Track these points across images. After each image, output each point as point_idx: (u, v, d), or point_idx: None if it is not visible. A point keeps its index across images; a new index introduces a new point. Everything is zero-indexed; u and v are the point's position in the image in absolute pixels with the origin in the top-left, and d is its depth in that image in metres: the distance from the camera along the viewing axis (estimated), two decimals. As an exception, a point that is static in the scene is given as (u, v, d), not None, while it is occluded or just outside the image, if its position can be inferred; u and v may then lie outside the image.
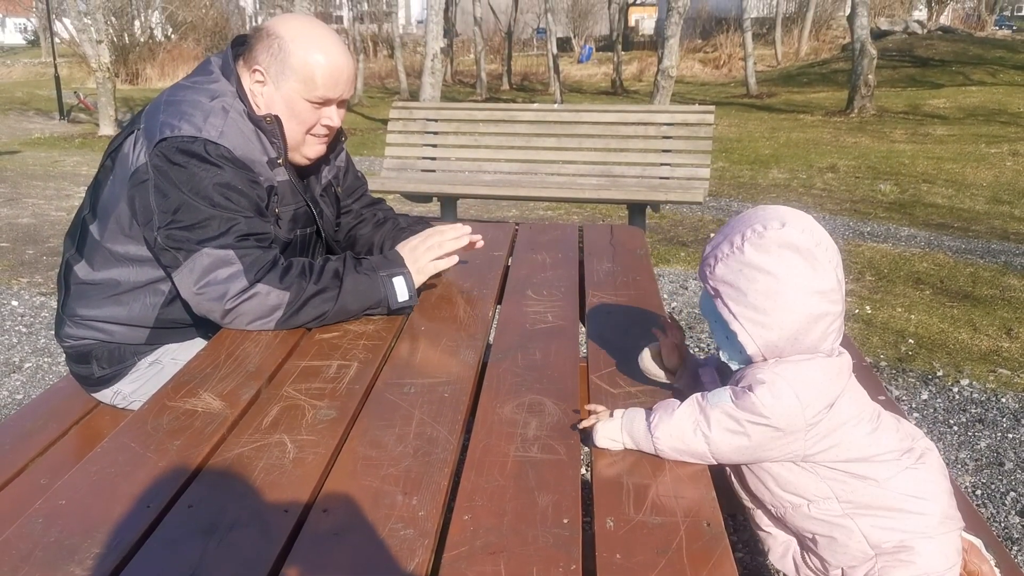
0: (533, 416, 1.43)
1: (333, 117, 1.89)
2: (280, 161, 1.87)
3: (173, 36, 29.52)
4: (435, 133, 5.22)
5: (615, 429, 1.35)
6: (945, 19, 27.43)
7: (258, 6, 42.43)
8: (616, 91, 21.20)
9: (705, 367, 1.55)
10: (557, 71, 19.25)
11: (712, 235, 1.38)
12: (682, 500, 1.20)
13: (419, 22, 45.87)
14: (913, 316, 4.48)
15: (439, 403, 1.48)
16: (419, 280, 1.85)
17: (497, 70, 24.59)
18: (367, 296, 1.77)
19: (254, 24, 38.82)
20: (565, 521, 1.15)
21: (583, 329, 1.86)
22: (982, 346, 4.03)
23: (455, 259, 1.90)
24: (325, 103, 1.86)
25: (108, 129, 13.22)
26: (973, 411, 3.27)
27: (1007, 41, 21.24)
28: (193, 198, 1.71)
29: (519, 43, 29.74)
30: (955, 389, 3.48)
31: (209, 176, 1.72)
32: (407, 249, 1.87)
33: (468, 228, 1.93)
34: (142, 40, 26.61)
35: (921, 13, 28.08)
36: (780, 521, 1.45)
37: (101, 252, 1.87)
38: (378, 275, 1.78)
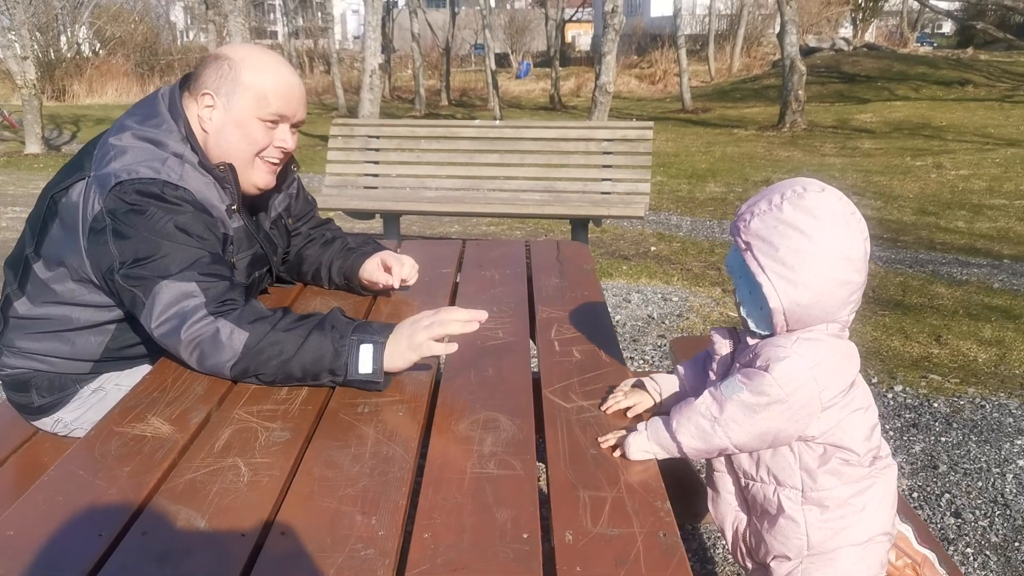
0: (488, 432, 1.44)
1: (287, 139, 1.85)
2: (235, 208, 1.84)
3: (101, 52, 28.83)
4: (376, 150, 5.21)
5: (644, 440, 1.38)
6: (870, 36, 28.32)
7: (189, 21, 41.82)
8: (555, 106, 21.38)
9: (684, 370, 1.60)
10: (496, 87, 19.34)
11: (743, 202, 1.42)
12: (639, 512, 1.22)
13: (355, 38, 45.67)
14: (848, 325, 4.60)
15: (394, 422, 1.48)
16: (410, 358, 1.58)
17: (435, 86, 24.60)
18: (325, 358, 1.55)
19: (185, 39, 38.26)
20: (525, 536, 1.16)
21: (533, 345, 1.88)
22: (913, 353, 4.16)
23: (455, 347, 1.59)
24: (279, 121, 1.83)
25: (34, 147, 12.86)
26: (907, 416, 3.38)
27: (929, 58, 21.99)
28: (152, 236, 1.64)
29: (457, 59, 29.80)
30: (889, 395, 3.58)
31: (168, 217, 1.66)
32: (408, 321, 1.61)
33: (484, 314, 1.61)
34: (68, 56, 25.97)
35: (847, 30, 28.97)
36: (742, 493, 1.50)
37: (46, 291, 1.80)
38: (347, 337, 1.57)
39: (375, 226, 5.47)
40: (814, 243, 1.30)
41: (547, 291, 2.17)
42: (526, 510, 1.22)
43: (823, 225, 1.31)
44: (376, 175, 5.22)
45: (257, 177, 1.87)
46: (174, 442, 1.40)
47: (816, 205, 1.32)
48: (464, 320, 1.58)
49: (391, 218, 5.15)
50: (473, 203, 4.98)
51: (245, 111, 1.79)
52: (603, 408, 1.53)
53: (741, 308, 1.42)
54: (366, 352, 1.57)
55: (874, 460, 1.43)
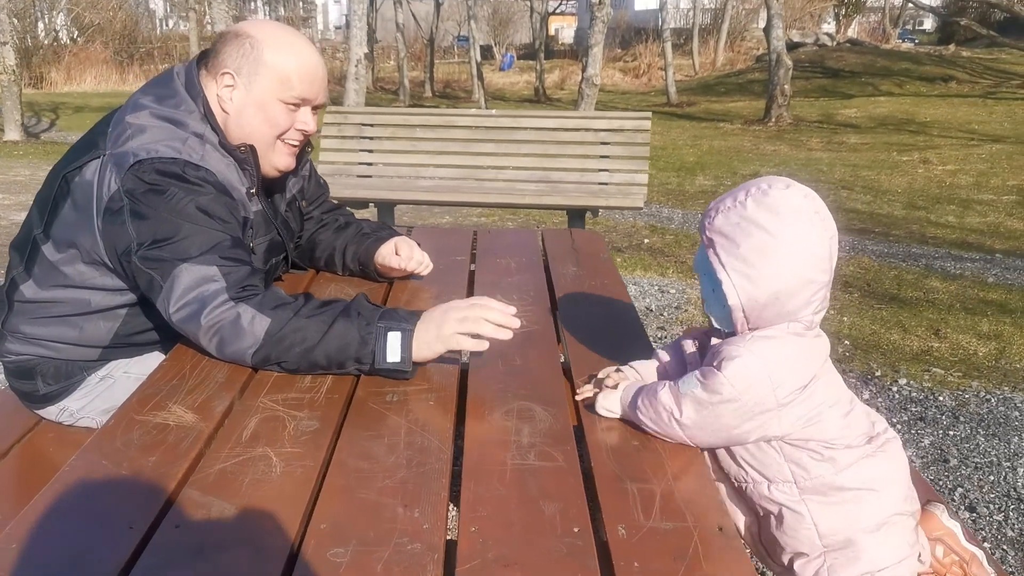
0: (524, 422, 1.40)
1: (309, 121, 1.79)
2: (255, 191, 1.78)
3: (79, 39, 28.43)
4: (371, 138, 5.14)
5: (614, 402, 1.41)
6: (852, 32, 28.46)
7: (168, 9, 41.34)
8: (539, 99, 21.32)
9: (664, 356, 1.56)
10: (481, 78, 19.25)
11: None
12: (690, 504, 1.18)
13: (337, 28, 45.35)
14: (846, 318, 4.59)
15: (425, 411, 1.43)
16: (437, 349, 1.52)
17: (419, 77, 24.45)
18: (351, 346, 1.50)
19: (165, 27, 37.83)
20: (576, 530, 1.11)
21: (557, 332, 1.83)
22: (913, 346, 4.15)
23: (486, 345, 1.53)
24: (301, 104, 1.76)
25: (14, 134, 12.64)
26: (914, 410, 3.36)
27: (911, 54, 22.09)
28: (172, 217, 1.57)
29: (439, 51, 29.63)
30: (894, 389, 3.57)
31: (190, 197, 1.59)
32: (439, 309, 1.55)
33: (517, 320, 1.53)
34: (46, 43, 25.59)
35: (830, 26, 29.08)
36: (739, 495, 1.46)
37: (55, 274, 1.73)
38: (374, 325, 1.51)
39: (365, 216, 5.39)
40: (776, 240, 1.28)
41: (566, 279, 2.12)
42: (574, 503, 1.17)
43: (786, 222, 1.28)
44: (370, 164, 5.14)
45: (278, 159, 1.81)
46: (199, 431, 1.34)
47: (780, 202, 1.29)
48: (496, 323, 1.52)
49: (385, 207, 5.08)
50: (469, 192, 4.92)
51: (267, 93, 1.73)
52: (580, 399, 1.48)
53: (705, 305, 1.41)
54: (394, 340, 1.51)
55: (870, 440, 1.40)
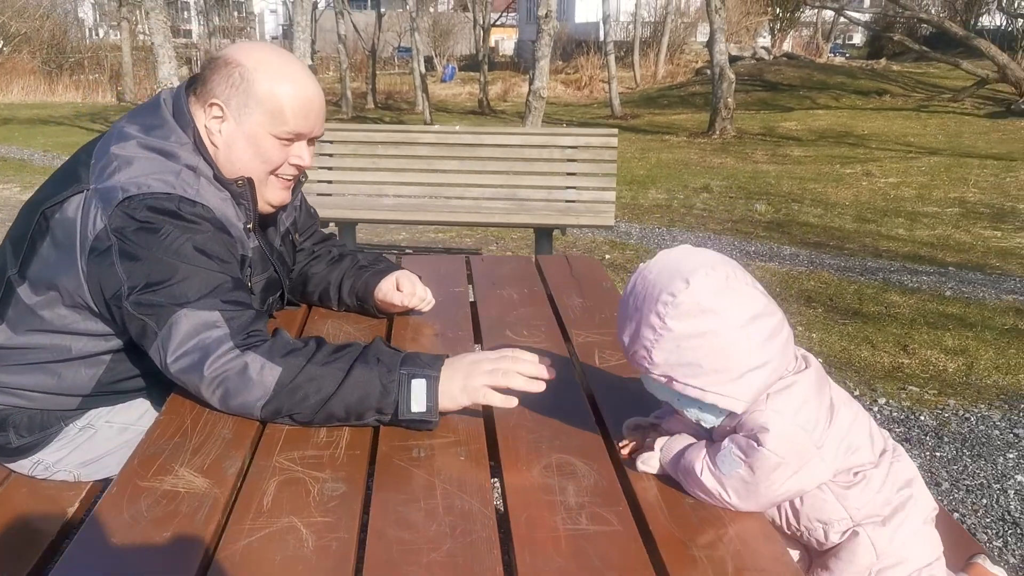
0: (567, 480, 1.30)
1: (304, 156, 1.67)
2: (251, 226, 1.65)
3: (5, 48, 27.50)
4: (330, 155, 4.98)
5: (654, 465, 1.34)
6: (787, 46, 29.06)
7: (98, 18, 40.28)
8: (484, 111, 21.24)
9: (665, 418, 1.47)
10: (426, 90, 19.11)
11: (619, 321, 1.29)
12: (765, 573, 1.10)
13: (273, 38, 44.68)
14: (814, 335, 4.60)
15: (457, 468, 1.32)
16: (462, 401, 1.42)
17: (359, 88, 24.20)
18: (371, 396, 1.39)
19: (95, 37, 36.80)
20: (652, 607, 1.02)
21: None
22: (884, 363, 4.16)
23: (514, 402, 1.42)
24: (295, 139, 1.65)
25: (-60, 147, 12.12)
26: (898, 430, 3.35)
27: (846, 67, 22.61)
28: (167, 258, 1.44)
29: (380, 62, 29.38)
30: (875, 409, 3.56)
31: (186, 236, 1.47)
32: (467, 360, 1.45)
33: (551, 372, 1.44)
34: (-29, 52, 24.71)
35: (766, 40, 29.66)
36: (794, 540, 1.40)
37: (32, 318, 1.58)
38: (396, 371, 1.41)
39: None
40: (723, 334, 1.21)
41: (574, 312, 2.03)
42: (642, 574, 1.08)
43: (718, 312, 1.21)
44: (330, 182, 4.99)
45: (271, 195, 1.69)
46: (214, 498, 1.21)
47: (696, 301, 1.21)
48: (529, 376, 1.42)
49: (347, 227, 4.93)
50: (435, 212, 4.81)
51: (258, 127, 1.61)
52: (624, 452, 1.39)
53: (704, 424, 1.31)
54: (418, 388, 1.40)
55: (885, 449, 1.37)
